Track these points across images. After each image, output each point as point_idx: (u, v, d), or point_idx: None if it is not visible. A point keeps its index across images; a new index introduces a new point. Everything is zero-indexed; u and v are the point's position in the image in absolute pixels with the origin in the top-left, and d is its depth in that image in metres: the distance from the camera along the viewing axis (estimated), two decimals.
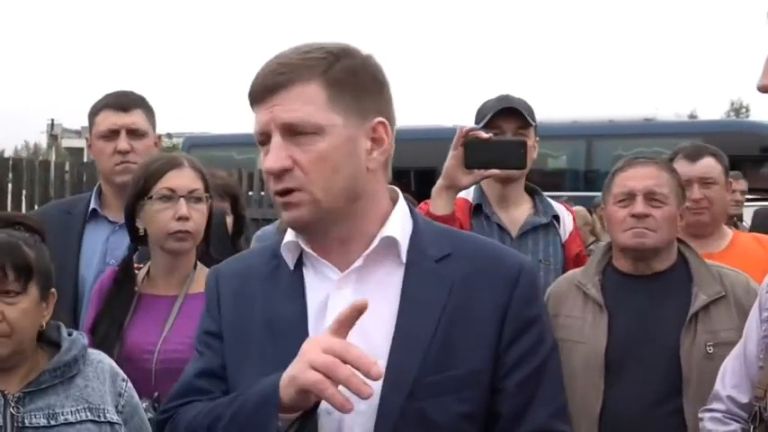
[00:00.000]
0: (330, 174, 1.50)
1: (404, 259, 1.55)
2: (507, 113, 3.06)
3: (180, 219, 2.57)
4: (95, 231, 3.05)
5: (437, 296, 1.52)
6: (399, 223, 1.57)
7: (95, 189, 3.16)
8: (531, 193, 3.21)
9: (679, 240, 2.84)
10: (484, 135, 2.67)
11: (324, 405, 1.47)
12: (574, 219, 3.27)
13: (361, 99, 1.52)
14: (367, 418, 1.48)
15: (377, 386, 1.43)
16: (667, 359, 2.62)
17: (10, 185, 7.64)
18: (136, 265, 2.71)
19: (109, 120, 3.07)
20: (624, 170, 2.81)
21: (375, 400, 1.44)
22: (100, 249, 3.00)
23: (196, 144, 19.34)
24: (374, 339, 1.49)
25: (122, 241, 2.83)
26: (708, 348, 2.60)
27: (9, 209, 7.46)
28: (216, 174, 3.92)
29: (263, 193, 9.71)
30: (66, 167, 8.81)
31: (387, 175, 1.60)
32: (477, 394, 1.51)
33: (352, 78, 1.52)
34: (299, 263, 1.61)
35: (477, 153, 2.64)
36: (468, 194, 3.19)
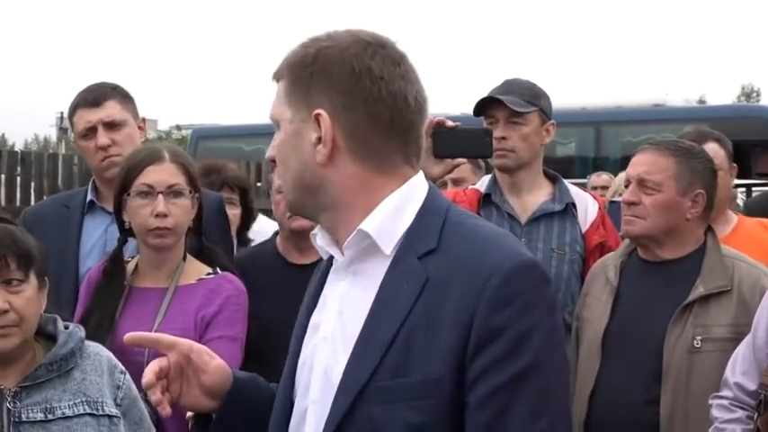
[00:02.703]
0: (283, 167, 1.54)
1: (387, 253, 1.48)
2: (494, 102, 3.04)
3: (158, 215, 2.56)
4: (94, 222, 3.05)
5: (407, 296, 1.43)
6: (383, 215, 1.49)
7: (91, 181, 3.16)
8: (554, 180, 3.18)
9: (710, 228, 2.79)
10: (450, 124, 2.68)
11: (310, 395, 1.50)
12: (600, 208, 3.17)
13: (311, 91, 1.49)
14: (324, 412, 1.45)
15: (335, 383, 1.45)
16: (655, 348, 2.62)
17: (19, 179, 7.67)
18: (125, 259, 2.72)
19: (84, 118, 3.05)
20: (633, 157, 2.81)
21: (332, 397, 1.45)
22: (99, 240, 3.00)
23: (204, 135, 19.32)
24: (349, 335, 1.47)
25: None
26: (695, 342, 2.58)
27: (18, 202, 7.51)
28: (227, 166, 3.93)
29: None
30: (75, 160, 8.84)
31: (369, 165, 1.50)
32: (432, 405, 1.38)
33: (306, 70, 1.50)
34: None
35: (445, 142, 2.64)
36: (483, 185, 3.17)
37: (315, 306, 1.59)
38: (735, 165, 3.38)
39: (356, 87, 1.48)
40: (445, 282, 1.42)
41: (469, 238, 1.47)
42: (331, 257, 1.59)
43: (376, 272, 1.48)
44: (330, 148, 1.48)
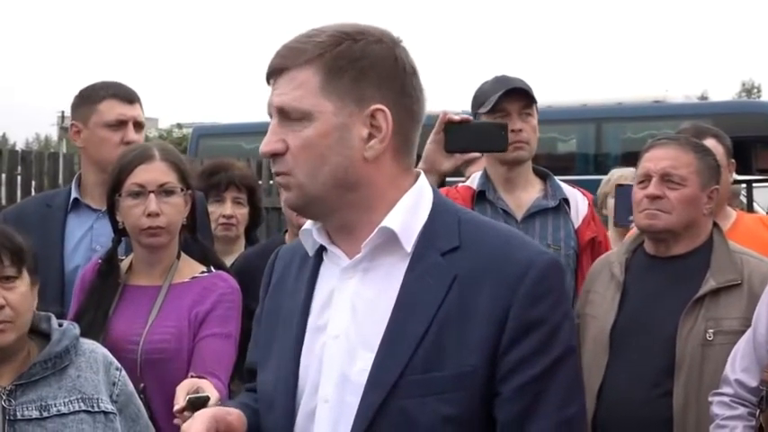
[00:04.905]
0: (316, 161, 1.47)
1: (408, 250, 1.49)
2: (510, 94, 3.02)
3: (150, 215, 2.57)
4: (78, 220, 3.05)
5: (435, 292, 1.45)
6: (404, 213, 1.49)
7: (75, 179, 3.15)
8: (543, 177, 3.18)
9: (715, 224, 2.80)
10: (460, 118, 2.65)
11: (321, 394, 1.49)
12: (590, 204, 3.19)
13: (362, 85, 1.46)
14: (352, 410, 1.45)
15: (361, 381, 1.44)
16: (666, 342, 2.61)
17: (19, 178, 7.66)
18: (119, 257, 2.71)
19: (116, 110, 3.06)
20: (647, 151, 2.80)
21: (359, 394, 1.44)
22: (85, 237, 3.00)
23: (205, 134, 19.37)
24: (368, 332, 1.47)
25: (106, 228, 2.81)
26: (708, 335, 2.58)
27: (19, 200, 7.50)
28: (234, 165, 3.89)
29: (272, 182, 9.70)
30: (76, 159, 8.83)
31: (402, 163, 1.52)
32: (464, 397, 1.42)
33: (355, 63, 1.46)
34: (325, 249, 1.59)
35: (457, 137, 2.61)
36: (473, 182, 3.17)
37: (309, 306, 1.57)
38: (733, 161, 3.38)
39: (406, 84, 1.51)
40: (475, 277, 1.46)
41: (493, 235, 1.52)
42: (319, 255, 1.59)
43: (392, 269, 1.49)
44: (385, 144, 1.49)
